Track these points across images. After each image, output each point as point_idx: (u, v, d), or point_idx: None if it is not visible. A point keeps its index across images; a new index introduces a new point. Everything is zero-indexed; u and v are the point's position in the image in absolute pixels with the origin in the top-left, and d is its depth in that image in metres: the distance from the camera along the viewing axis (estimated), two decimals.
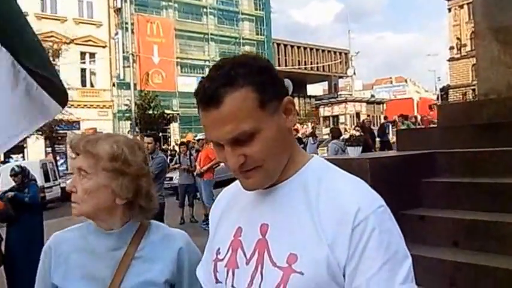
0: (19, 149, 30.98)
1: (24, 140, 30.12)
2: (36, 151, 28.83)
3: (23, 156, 29.12)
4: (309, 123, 32.08)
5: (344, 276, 1.09)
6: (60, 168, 25.77)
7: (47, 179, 19.21)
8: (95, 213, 1.61)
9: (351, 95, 49.06)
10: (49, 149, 29.56)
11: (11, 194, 6.56)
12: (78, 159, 1.60)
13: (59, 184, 20.00)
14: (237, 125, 1.10)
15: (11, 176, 6.99)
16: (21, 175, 6.90)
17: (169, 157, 17.50)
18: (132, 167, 1.62)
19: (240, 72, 1.11)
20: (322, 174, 1.21)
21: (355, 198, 1.12)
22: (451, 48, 64.03)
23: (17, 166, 7.23)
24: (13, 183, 6.98)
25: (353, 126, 28.38)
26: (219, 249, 1.30)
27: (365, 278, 1.06)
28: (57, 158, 28.16)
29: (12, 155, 29.95)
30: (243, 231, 1.25)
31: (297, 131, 20.95)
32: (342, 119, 38.56)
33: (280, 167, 1.20)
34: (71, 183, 1.59)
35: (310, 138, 17.53)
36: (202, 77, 1.17)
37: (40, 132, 27.22)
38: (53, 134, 27.96)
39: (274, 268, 1.13)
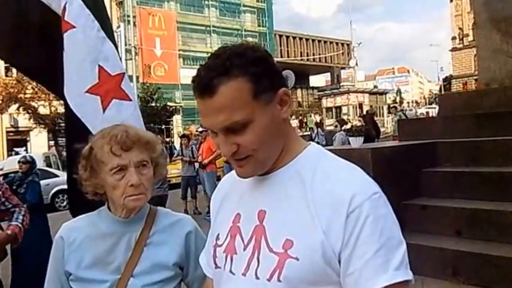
0: (22, 142, 31.03)
1: (27, 133, 30.22)
2: (39, 144, 28.79)
3: (26, 150, 29.12)
4: (317, 115, 32.00)
5: (339, 262, 1.10)
6: None
7: None
8: None
9: (353, 85, 48.87)
10: (52, 142, 29.56)
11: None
12: (135, 153, 1.61)
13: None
14: (229, 115, 1.11)
15: (19, 162, 7.04)
16: (29, 165, 6.94)
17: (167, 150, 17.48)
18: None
19: (235, 63, 1.11)
20: (317, 161, 1.22)
21: (350, 185, 1.13)
22: (453, 38, 63.56)
23: (30, 156, 7.32)
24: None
25: (356, 117, 28.33)
26: (218, 235, 1.32)
27: (360, 264, 1.07)
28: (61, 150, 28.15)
29: (15, 148, 30.01)
30: (242, 218, 1.26)
31: None
32: (344, 109, 38.36)
33: (273, 157, 1.22)
34: (137, 178, 1.59)
35: (319, 129, 17.14)
36: (201, 64, 1.18)
37: (43, 126, 27.25)
38: (56, 127, 27.94)
39: (271, 254, 1.14)
